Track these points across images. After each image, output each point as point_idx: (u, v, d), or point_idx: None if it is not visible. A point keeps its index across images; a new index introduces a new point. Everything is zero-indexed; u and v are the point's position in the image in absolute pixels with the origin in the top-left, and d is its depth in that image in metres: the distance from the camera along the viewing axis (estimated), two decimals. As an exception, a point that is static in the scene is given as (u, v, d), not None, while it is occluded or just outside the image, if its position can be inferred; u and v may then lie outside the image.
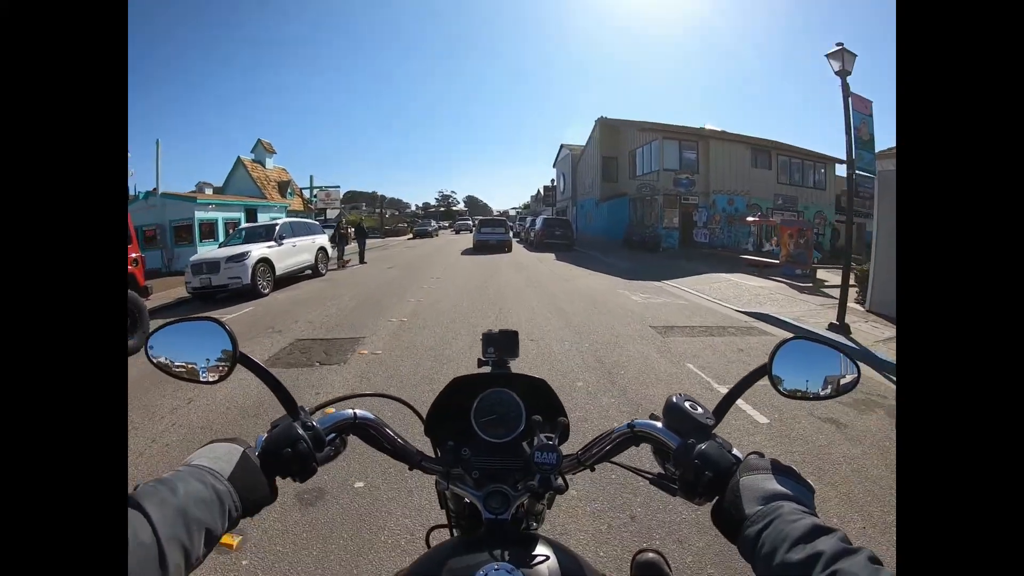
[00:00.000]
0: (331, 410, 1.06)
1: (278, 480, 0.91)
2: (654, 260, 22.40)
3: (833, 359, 0.99)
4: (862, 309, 11.24)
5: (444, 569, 0.87)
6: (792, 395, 1.00)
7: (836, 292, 12.05)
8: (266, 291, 14.19)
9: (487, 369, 1.26)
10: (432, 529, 1.26)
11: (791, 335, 1.05)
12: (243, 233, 16.57)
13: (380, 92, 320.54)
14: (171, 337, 0.97)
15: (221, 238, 22.61)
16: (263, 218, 24.97)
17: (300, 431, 0.92)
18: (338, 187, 43.65)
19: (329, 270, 19.59)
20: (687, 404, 0.98)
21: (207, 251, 15.14)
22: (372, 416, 1.06)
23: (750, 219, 25.55)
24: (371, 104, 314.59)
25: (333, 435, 1.00)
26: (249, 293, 13.70)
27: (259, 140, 39.51)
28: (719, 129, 29.99)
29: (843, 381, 0.99)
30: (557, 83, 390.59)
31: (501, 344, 1.28)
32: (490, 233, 29.68)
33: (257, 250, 14.35)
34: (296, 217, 36.74)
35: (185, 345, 0.98)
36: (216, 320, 0.97)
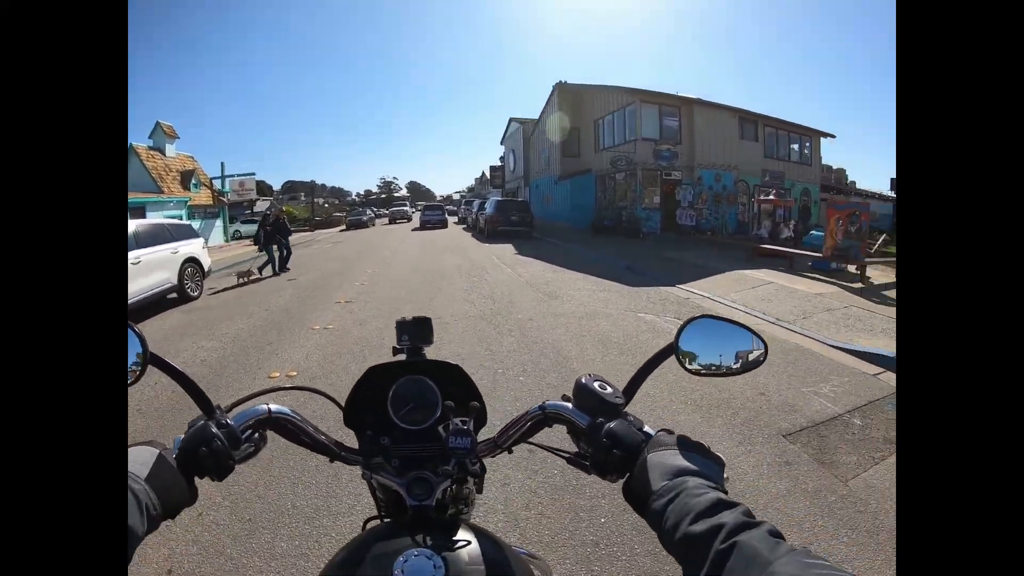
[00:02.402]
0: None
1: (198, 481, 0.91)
2: (643, 251, 17.66)
3: (740, 336, 1.04)
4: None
5: (368, 555, 0.88)
6: (699, 373, 1.05)
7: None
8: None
9: (402, 357, 1.27)
10: (368, 520, 1.19)
11: (702, 314, 1.07)
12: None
13: (319, 75, 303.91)
14: None
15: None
16: (153, 217, 18.80)
17: (214, 429, 0.92)
18: (253, 174, 37.61)
19: (233, 286, 13.64)
20: (596, 384, 1.01)
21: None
22: (288, 410, 1.05)
23: (767, 199, 21.15)
24: (309, 88, 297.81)
25: (250, 431, 0.99)
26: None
27: (158, 123, 31.95)
28: (694, 96, 25.55)
29: (751, 357, 1.03)
30: (505, 52, 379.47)
31: (414, 331, 1.29)
32: (431, 215, 38.41)
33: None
34: (203, 213, 30.89)
35: None
36: None
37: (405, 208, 59.02)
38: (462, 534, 0.92)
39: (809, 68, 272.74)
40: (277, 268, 15.62)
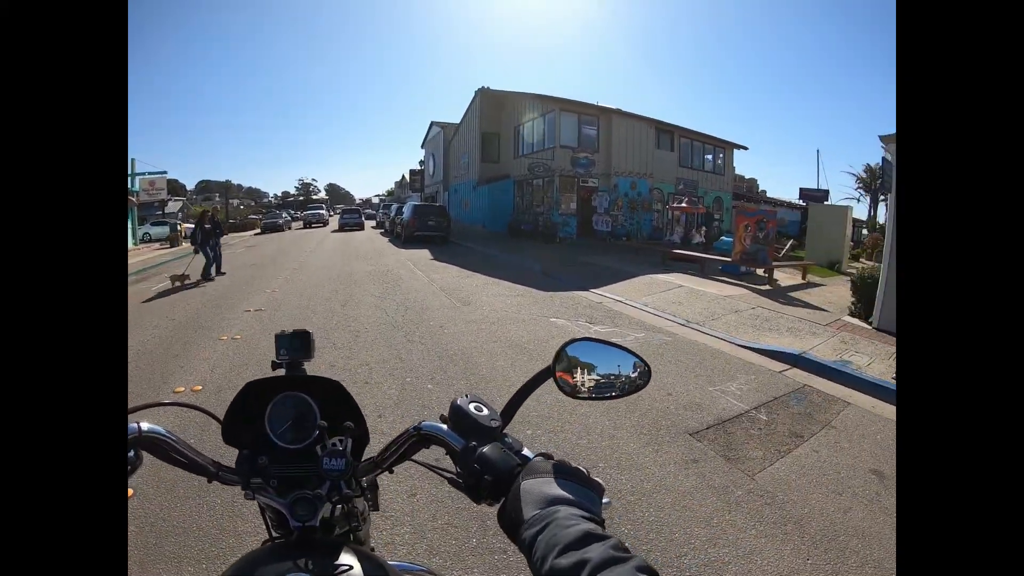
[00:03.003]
0: None
1: None
2: (558, 255, 17.75)
3: (621, 358, 1.02)
4: (866, 327, 8.64)
5: None
6: (578, 395, 1.01)
7: (811, 297, 11.12)
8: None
9: (281, 372, 1.24)
10: (265, 543, 1.07)
11: (582, 336, 1.05)
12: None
13: (235, 70, 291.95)
14: None
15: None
16: None
17: None
18: (164, 172, 35.70)
19: (165, 291, 12.67)
20: (472, 406, 0.99)
21: None
22: (161, 429, 1.02)
23: (680, 206, 21.69)
24: (225, 84, 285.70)
25: None
26: None
27: None
28: (613, 107, 26.10)
29: (633, 379, 1.02)
30: (428, 55, 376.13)
31: (293, 345, 1.24)
32: (348, 218, 41.44)
33: None
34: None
35: None
36: None
37: (321, 211, 54.91)
38: (344, 557, 0.89)
39: (725, 84, 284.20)
40: (212, 272, 14.43)
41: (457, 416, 0.98)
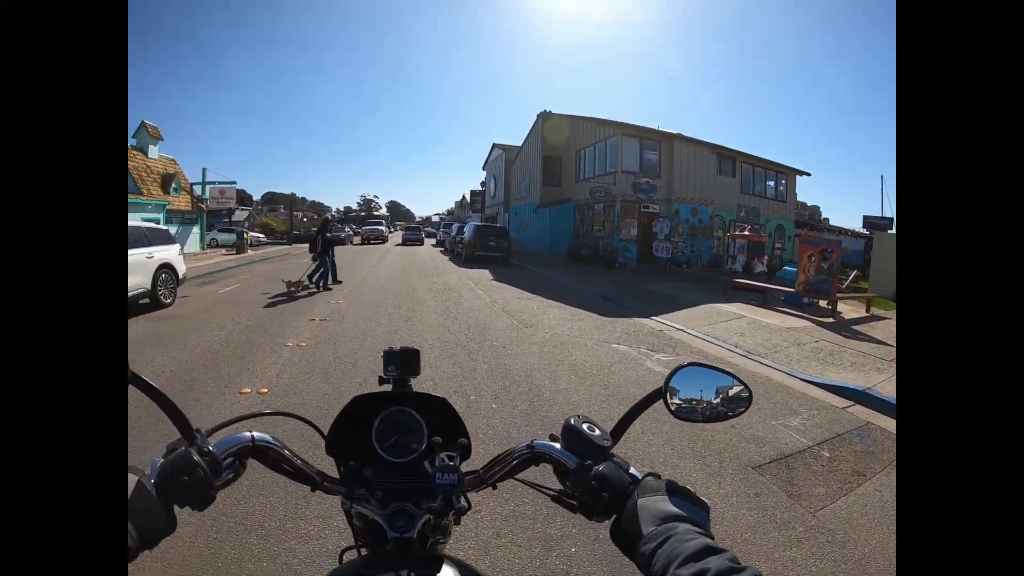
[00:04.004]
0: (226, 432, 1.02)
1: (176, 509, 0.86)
2: (618, 281, 17.64)
3: (726, 382, 1.07)
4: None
5: None
6: (686, 418, 1.07)
7: (876, 331, 10.50)
8: None
9: (388, 388, 1.26)
10: (345, 551, 1.20)
11: (689, 361, 1.11)
12: None
13: (305, 87, 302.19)
14: None
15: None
16: (133, 219, 17.99)
17: (196, 457, 0.88)
18: (234, 183, 37.16)
19: (282, 294, 13.20)
20: (585, 426, 1.02)
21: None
22: (271, 438, 1.03)
23: (742, 234, 21.39)
24: (295, 100, 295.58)
25: (231, 459, 0.96)
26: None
27: (143, 123, 29.91)
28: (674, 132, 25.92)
29: (737, 403, 1.07)
30: (492, 77, 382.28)
31: (402, 362, 1.27)
32: (411, 234, 47.41)
33: None
34: (181, 218, 30.21)
35: None
36: None
37: (380, 228, 53.00)
38: (446, 569, 0.91)
39: (788, 108, 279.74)
40: (330, 279, 14.78)
41: (570, 435, 1.02)
